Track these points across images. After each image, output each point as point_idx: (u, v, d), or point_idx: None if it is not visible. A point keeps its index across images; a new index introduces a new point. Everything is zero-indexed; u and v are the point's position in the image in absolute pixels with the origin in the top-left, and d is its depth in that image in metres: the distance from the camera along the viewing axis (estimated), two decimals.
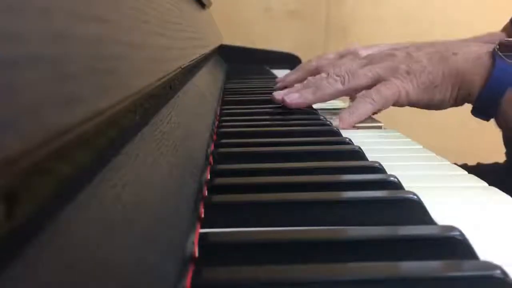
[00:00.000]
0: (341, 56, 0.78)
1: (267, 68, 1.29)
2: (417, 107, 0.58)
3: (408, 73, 0.55)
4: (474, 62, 0.53)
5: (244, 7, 1.75)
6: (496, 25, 0.85)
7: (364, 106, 0.56)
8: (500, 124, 0.54)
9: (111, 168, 0.20)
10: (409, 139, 0.51)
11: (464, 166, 0.47)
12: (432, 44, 0.58)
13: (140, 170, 0.23)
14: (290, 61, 1.33)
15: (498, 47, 0.52)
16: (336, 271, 0.21)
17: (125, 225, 0.18)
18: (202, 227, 0.27)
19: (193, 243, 0.23)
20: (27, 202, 0.12)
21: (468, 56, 0.54)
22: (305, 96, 0.61)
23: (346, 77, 0.59)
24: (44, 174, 0.14)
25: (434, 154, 0.44)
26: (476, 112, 0.56)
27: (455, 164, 0.41)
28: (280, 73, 1.15)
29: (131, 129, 0.26)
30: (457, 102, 0.56)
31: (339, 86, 0.59)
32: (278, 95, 0.63)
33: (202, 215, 0.28)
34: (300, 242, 0.24)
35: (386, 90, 0.56)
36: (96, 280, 0.14)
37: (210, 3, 1.29)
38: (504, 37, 0.78)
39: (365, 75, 0.58)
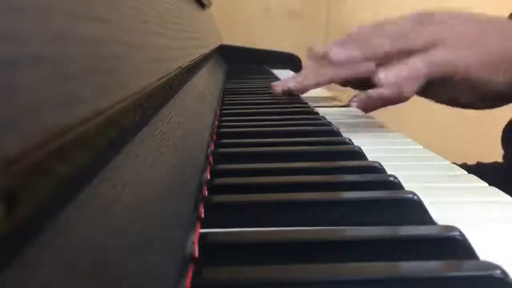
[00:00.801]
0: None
1: (267, 68, 1.29)
2: (470, 86, 0.49)
3: (476, 42, 0.47)
4: None
5: (244, 7, 1.75)
6: None
7: (414, 68, 0.47)
8: None
9: (111, 168, 0.20)
10: (409, 139, 0.51)
11: (464, 166, 0.47)
12: (495, 19, 0.50)
13: (140, 170, 0.23)
14: (290, 61, 1.33)
15: None
16: (336, 271, 0.21)
17: (125, 225, 0.18)
18: (202, 227, 0.27)
19: (193, 243, 0.23)
20: (27, 202, 0.12)
21: None
22: (349, 54, 0.51)
23: (399, 37, 0.49)
24: (44, 174, 0.14)
25: (434, 154, 0.44)
26: None
27: (455, 164, 0.41)
28: (280, 73, 1.15)
29: (131, 129, 0.26)
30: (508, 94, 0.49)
31: (386, 46, 0.50)
32: (319, 47, 0.54)
33: (202, 215, 0.28)
34: (300, 242, 0.24)
35: (447, 56, 0.47)
36: (96, 280, 0.14)
37: (210, 3, 1.29)
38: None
39: (423, 35, 0.49)
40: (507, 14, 0.80)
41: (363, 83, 0.75)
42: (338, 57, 0.52)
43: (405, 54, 0.49)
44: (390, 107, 0.60)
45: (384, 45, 0.50)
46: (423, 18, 0.51)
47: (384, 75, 0.49)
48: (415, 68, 0.48)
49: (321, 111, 0.65)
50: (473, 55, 0.47)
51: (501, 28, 0.49)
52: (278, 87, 0.71)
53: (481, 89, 0.50)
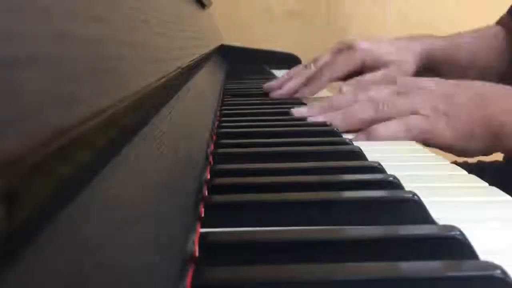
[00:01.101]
0: (337, 51, 0.77)
1: (267, 68, 1.29)
2: (448, 152, 0.53)
3: (446, 114, 0.50)
4: None
5: (244, 7, 1.75)
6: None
7: (397, 128, 0.50)
8: None
9: (111, 168, 0.20)
10: None
11: (465, 164, 0.47)
12: (469, 86, 0.53)
13: (140, 170, 0.23)
14: (290, 61, 1.33)
15: None
16: (336, 271, 0.21)
17: (125, 225, 0.18)
18: (202, 227, 0.27)
19: (193, 243, 0.23)
20: (27, 202, 0.12)
21: (509, 106, 0.49)
22: (333, 123, 0.54)
23: (381, 105, 0.52)
24: (44, 174, 0.14)
25: (434, 154, 0.44)
26: None
27: (455, 163, 0.41)
28: (280, 73, 1.15)
29: (131, 129, 0.26)
30: (490, 152, 0.52)
31: (372, 113, 0.53)
32: (298, 112, 0.59)
33: (202, 215, 0.28)
34: (300, 242, 0.24)
35: (423, 123, 0.50)
36: (96, 280, 0.14)
37: (210, 3, 1.29)
38: (501, 30, 0.77)
39: (403, 104, 0.52)
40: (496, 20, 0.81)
41: None
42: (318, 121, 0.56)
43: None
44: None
45: (363, 115, 0.53)
46: (403, 86, 0.55)
47: (360, 139, 0.51)
48: (392, 131, 0.51)
49: None
50: (446, 127, 0.50)
51: (479, 96, 0.51)
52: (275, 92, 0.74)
53: (460, 154, 0.53)
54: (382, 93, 0.54)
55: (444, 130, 0.50)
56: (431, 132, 0.50)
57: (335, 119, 0.54)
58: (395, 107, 0.52)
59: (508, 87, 0.52)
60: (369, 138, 0.51)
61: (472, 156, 0.53)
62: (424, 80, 0.56)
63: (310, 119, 0.56)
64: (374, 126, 0.51)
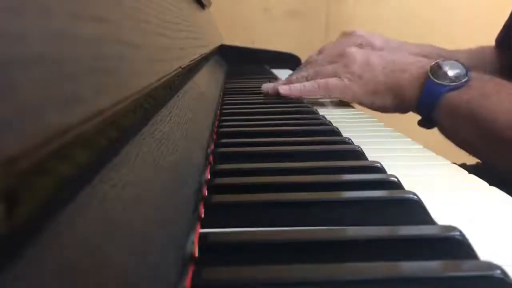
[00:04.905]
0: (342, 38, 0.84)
1: (267, 68, 1.29)
2: (363, 106, 0.69)
3: (360, 77, 0.66)
4: (414, 80, 0.61)
5: (244, 7, 1.75)
6: (496, 25, 0.85)
7: (311, 87, 0.70)
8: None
9: (111, 168, 0.20)
10: (409, 139, 0.51)
11: (463, 166, 0.47)
12: (393, 61, 0.66)
13: (140, 170, 0.23)
14: (290, 61, 1.33)
15: (431, 67, 0.59)
16: (336, 271, 0.21)
17: (125, 225, 0.18)
18: (202, 227, 0.27)
19: (193, 243, 0.23)
20: (27, 202, 0.12)
21: (411, 74, 0.62)
22: (281, 92, 0.73)
23: (311, 74, 0.72)
24: (44, 174, 0.14)
25: (434, 154, 0.44)
26: (420, 123, 0.64)
27: (454, 164, 0.41)
28: (280, 73, 1.15)
29: (131, 129, 0.26)
30: (401, 110, 0.65)
31: (304, 81, 0.73)
32: (265, 88, 0.77)
33: (202, 215, 0.28)
34: (300, 242, 0.24)
35: (336, 84, 0.67)
36: (96, 280, 0.14)
37: (210, 3, 1.29)
38: (492, 52, 0.81)
39: (328, 72, 0.70)
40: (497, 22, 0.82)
41: None
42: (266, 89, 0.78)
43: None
44: None
45: (305, 78, 0.74)
46: (336, 57, 0.71)
47: (282, 90, 0.73)
48: (307, 90, 0.71)
49: (321, 110, 0.65)
50: (357, 86, 0.66)
51: (391, 63, 0.65)
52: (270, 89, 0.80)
53: (372, 109, 0.68)
54: (317, 65, 0.74)
55: (356, 89, 0.67)
56: (345, 91, 0.67)
57: (282, 89, 0.73)
58: (319, 74, 0.71)
59: (423, 62, 0.63)
60: (291, 91, 0.71)
61: (383, 111, 0.67)
62: (353, 50, 0.70)
63: (264, 88, 0.76)
64: (295, 83, 0.72)
